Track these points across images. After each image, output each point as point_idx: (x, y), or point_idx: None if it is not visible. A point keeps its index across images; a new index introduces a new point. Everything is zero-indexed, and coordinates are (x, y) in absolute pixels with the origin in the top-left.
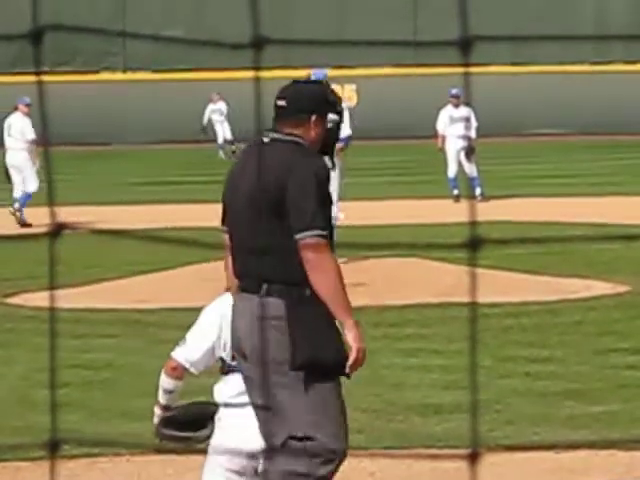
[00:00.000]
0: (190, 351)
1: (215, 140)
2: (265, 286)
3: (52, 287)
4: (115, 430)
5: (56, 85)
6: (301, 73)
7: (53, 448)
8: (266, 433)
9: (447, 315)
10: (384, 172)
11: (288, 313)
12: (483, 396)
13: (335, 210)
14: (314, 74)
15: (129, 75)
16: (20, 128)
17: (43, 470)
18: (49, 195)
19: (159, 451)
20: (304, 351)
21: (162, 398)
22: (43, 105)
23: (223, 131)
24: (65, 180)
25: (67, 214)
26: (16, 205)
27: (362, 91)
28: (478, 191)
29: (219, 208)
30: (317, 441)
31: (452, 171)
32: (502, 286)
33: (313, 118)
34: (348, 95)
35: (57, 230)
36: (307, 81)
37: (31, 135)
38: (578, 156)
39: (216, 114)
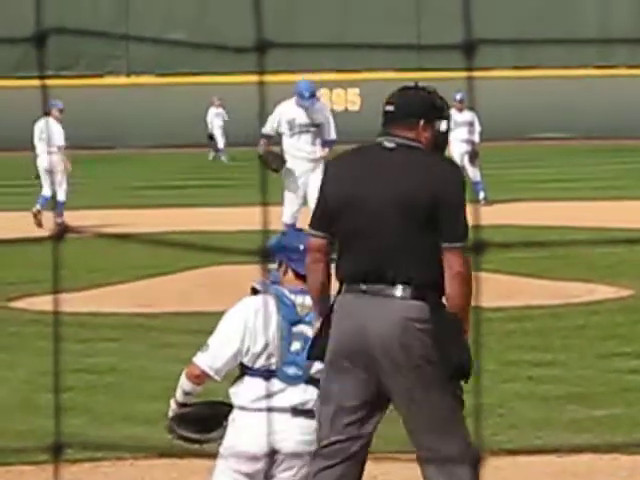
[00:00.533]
0: (213, 358)
1: (215, 145)
2: (407, 288)
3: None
4: (118, 434)
5: (60, 89)
6: (305, 77)
7: (57, 451)
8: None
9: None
10: None
11: (431, 316)
12: (486, 400)
13: None
14: (298, 84)
15: (133, 79)
16: (51, 133)
17: (47, 474)
18: (52, 200)
19: (163, 455)
20: (454, 356)
21: (180, 396)
22: (47, 109)
23: (222, 136)
24: (69, 184)
25: (71, 218)
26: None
27: (365, 95)
28: (482, 195)
29: (225, 212)
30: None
31: None
32: (505, 290)
33: (421, 123)
34: (351, 99)
35: (61, 234)
36: (414, 87)
37: (60, 141)
38: (581, 160)
39: (219, 118)
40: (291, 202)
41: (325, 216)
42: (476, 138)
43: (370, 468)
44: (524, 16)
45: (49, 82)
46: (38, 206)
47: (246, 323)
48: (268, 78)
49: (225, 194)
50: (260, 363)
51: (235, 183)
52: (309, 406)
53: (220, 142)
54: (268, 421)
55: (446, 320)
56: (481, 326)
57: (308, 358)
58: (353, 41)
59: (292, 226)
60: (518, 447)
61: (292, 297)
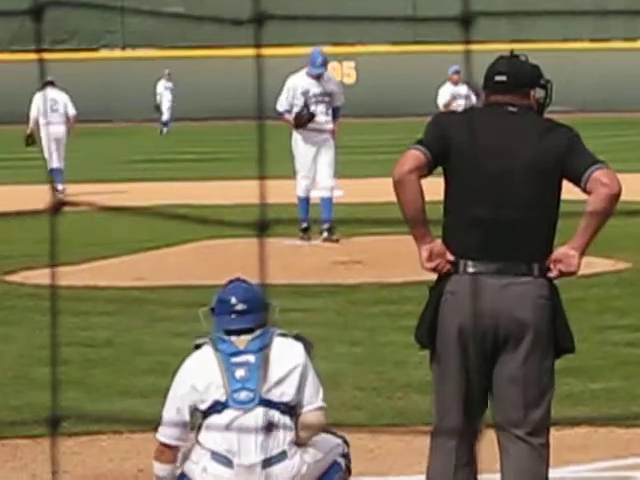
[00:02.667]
0: (166, 427)
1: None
2: (538, 266)
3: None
4: (115, 407)
5: (55, 63)
6: (300, 51)
7: (54, 424)
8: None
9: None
10: (383, 150)
11: (551, 293)
12: None
13: (333, 186)
14: (312, 60)
15: (128, 52)
16: (64, 103)
17: (43, 447)
18: (49, 173)
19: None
20: (570, 335)
21: None
22: (44, 82)
23: (168, 109)
24: (65, 157)
25: (67, 191)
26: (60, 186)
27: (361, 68)
28: None
29: (221, 185)
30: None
31: None
32: None
33: (532, 93)
34: (347, 72)
35: (57, 207)
36: (516, 56)
37: (73, 110)
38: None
39: (168, 91)
40: (304, 175)
41: (443, 144)
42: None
43: (366, 442)
44: None
45: (45, 56)
46: (60, 186)
47: (186, 379)
48: (265, 51)
49: (222, 167)
50: (211, 399)
51: (233, 156)
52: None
53: (166, 115)
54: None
55: (559, 296)
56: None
57: (415, 338)
58: (349, 14)
59: (305, 199)
60: None
61: (226, 337)
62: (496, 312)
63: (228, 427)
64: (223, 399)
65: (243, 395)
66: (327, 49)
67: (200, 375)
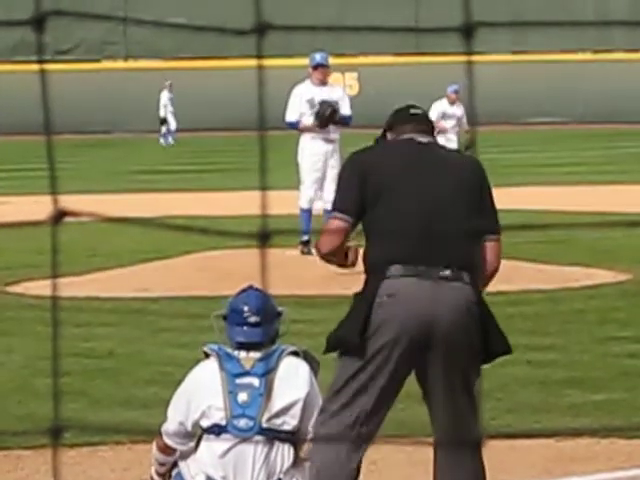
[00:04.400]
0: (168, 428)
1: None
2: (468, 273)
3: (55, 275)
4: (116, 418)
5: (58, 74)
6: (303, 62)
7: (56, 434)
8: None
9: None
10: None
11: (478, 299)
12: (484, 384)
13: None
14: (313, 57)
15: (130, 63)
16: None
17: (45, 458)
18: (51, 183)
19: None
20: (504, 337)
21: (156, 466)
22: (45, 93)
23: (170, 120)
24: (66, 169)
25: (68, 203)
26: None
27: (363, 79)
28: None
29: (222, 197)
30: None
31: None
32: (503, 274)
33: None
34: (349, 83)
35: (59, 217)
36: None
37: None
38: (578, 145)
39: (169, 102)
40: (308, 186)
41: (360, 200)
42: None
43: (369, 453)
44: (521, 1)
45: (47, 67)
46: None
47: (189, 393)
48: (267, 62)
49: (224, 178)
50: (211, 421)
51: (234, 167)
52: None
53: (172, 125)
54: None
55: (486, 304)
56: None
57: (333, 340)
58: (351, 25)
59: (308, 211)
60: (516, 431)
61: (235, 352)
62: (430, 315)
63: (225, 454)
64: (223, 423)
65: (243, 423)
66: (330, 60)
67: (203, 394)
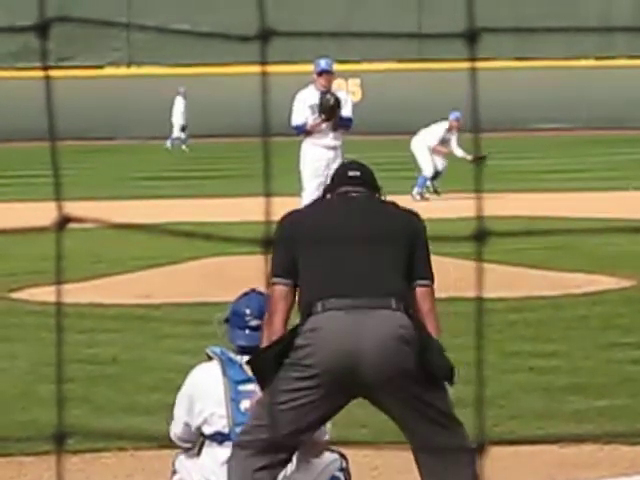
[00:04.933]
0: (174, 429)
1: (170, 133)
2: (396, 300)
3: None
4: (119, 424)
5: (61, 80)
6: (306, 68)
7: (59, 440)
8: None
9: (452, 310)
10: (388, 167)
11: (415, 325)
12: (487, 391)
13: None
14: (317, 63)
15: (133, 70)
16: None
17: (48, 465)
18: (55, 189)
19: (163, 445)
20: (441, 359)
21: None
22: (50, 99)
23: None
24: (69, 175)
25: (71, 209)
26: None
27: (366, 86)
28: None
29: (226, 203)
30: None
31: (428, 172)
32: (506, 281)
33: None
34: (352, 90)
35: (63, 223)
36: (359, 162)
37: None
38: (582, 151)
39: (184, 108)
40: (311, 192)
41: (290, 259)
42: (458, 153)
43: (370, 459)
44: (524, 8)
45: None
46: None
47: (191, 396)
48: (271, 69)
49: (228, 184)
50: (213, 428)
51: (238, 173)
52: None
53: (177, 131)
54: None
55: (426, 330)
56: (482, 317)
57: (248, 364)
58: (354, 31)
59: None
60: (519, 438)
61: (238, 358)
62: (352, 349)
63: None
64: (225, 431)
65: None
66: (333, 65)
67: (206, 400)
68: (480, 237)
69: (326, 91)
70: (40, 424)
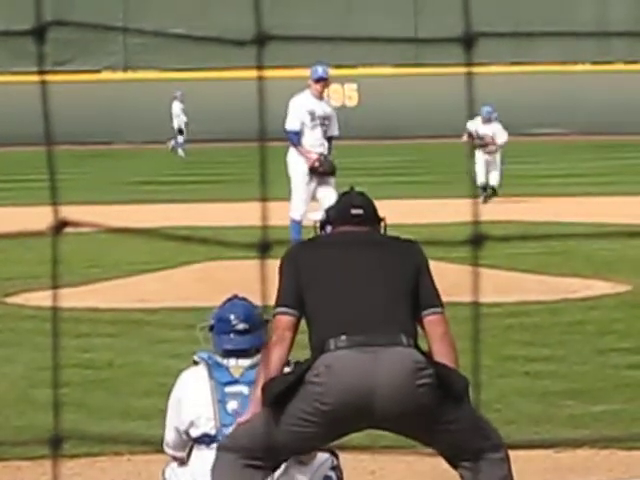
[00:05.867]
0: (166, 438)
1: (174, 137)
2: (407, 336)
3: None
4: (115, 429)
5: (57, 85)
6: (302, 73)
7: (55, 445)
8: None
9: (448, 314)
10: (384, 172)
11: (425, 358)
12: (483, 395)
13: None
14: (312, 70)
15: (130, 74)
16: None
17: (44, 469)
18: (52, 193)
19: (159, 450)
20: (459, 381)
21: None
22: (46, 103)
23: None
24: (66, 179)
25: (67, 213)
26: None
27: (363, 90)
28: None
29: (222, 208)
30: None
31: (481, 179)
32: (503, 285)
33: (381, 225)
34: (349, 94)
35: (59, 228)
36: (359, 192)
37: None
38: (579, 156)
39: (182, 113)
40: (300, 198)
41: (296, 291)
42: (499, 143)
43: (367, 464)
44: (521, 13)
45: (47, 77)
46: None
47: (179, 400)
48: (268, 73)
49: (224, 189)
50: (200, 430)
51: (235, 178)
52: None
53: (184, 135)
54: None
55: (433, 360)
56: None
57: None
58: (351, 36)
59: (299, 223)
60: (515, 442)
61: (225, 361)
62: (367, 387)
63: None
64: (213, 432)
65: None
66: (329, 71)
67: (193, 403)
68: (476, 242)
69: (325, 156)
70: (36, 428)
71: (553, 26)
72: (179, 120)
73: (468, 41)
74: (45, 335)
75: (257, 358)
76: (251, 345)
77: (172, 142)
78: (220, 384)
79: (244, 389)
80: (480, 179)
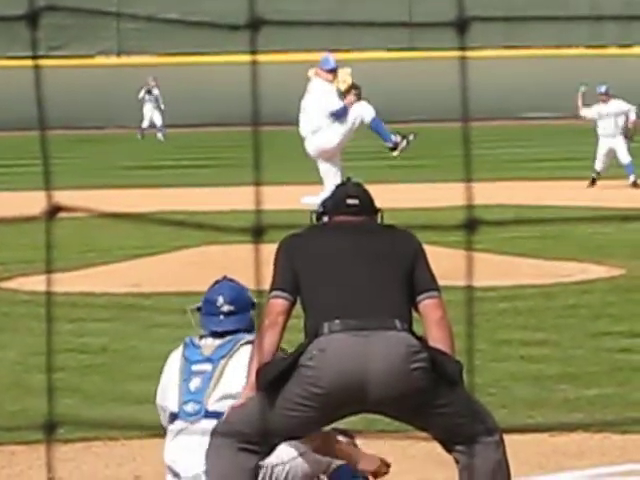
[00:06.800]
0: (160, 417)
1: (141, 124)
2: (400, 321)
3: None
4: (110, 414)
5: (50, 69)
6: (296, 57)
7: (50, 429)
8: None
9: (443, 298)
10: (379, 156)
11: (419, 343)
12: (477, 379)
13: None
14: (324, 60)
15: (123, 59)
16: None
17: (39, 454)
18: (45, 178)
19: (154, 435)
20: (453, 365)
21: None
22: (39, 88)
23: (153, 116)
24: (59, 164)
25: (61, 198)
26: None
27: (356, 75)
28: (632, 178)
29: (217, 192)
30: None
31: (598, 166)
32: (497, 269)
33: (378, 216)
34: (343, 78)
35: (53, 213)
36: (357, 183)
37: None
38: (572, 140)
39: (153, 99)
40: (331, 184)
41: (291, 276)
42: (632, 117)
43: (362, 447)
44: None
45: (40, 62)
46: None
47: (162, 379)
48: (262, 57)
49: (218, 173)
50: (170, 409)
51: (229, 162)
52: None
53: (147, 121)
54: None
55: (428, 345)
56: (473, 305)
57: (258, 389)
58: (344, 20)
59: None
60: (509, 426)
61: (201, 341)
62: (360, 371)
63: (174, 438)
64: (175, 410)
65: (190, 407)
66: (323, 55)
67: (166, 382)
68: (470, 226)
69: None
70: (30, 413)
71: (546, 10)
72: (151, 113)
73: (461, 25)
74: (39, 320)
75: (230, 337)
76: (238, 326)
77: (140, 131)
78: (189, 362)
79: (208, 367)
80: (598, 165)
